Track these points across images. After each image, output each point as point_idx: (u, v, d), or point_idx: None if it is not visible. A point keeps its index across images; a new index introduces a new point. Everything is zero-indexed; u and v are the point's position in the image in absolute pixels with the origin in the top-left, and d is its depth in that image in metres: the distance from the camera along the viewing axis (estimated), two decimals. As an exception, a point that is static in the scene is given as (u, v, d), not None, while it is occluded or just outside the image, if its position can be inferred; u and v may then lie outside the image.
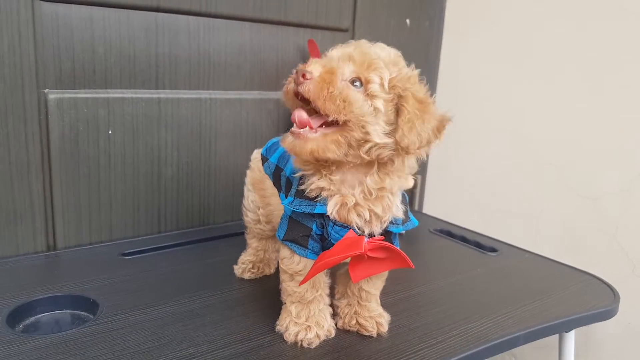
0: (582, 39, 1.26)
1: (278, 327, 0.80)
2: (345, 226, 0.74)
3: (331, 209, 0.73)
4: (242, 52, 1.22)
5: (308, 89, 0.65)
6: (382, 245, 0.75)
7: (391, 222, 0.77)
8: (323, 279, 0.80)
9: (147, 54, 1.09)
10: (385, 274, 0.85)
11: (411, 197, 1.65)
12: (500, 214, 1.47)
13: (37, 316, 0.85)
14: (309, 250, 0.77)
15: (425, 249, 1.22)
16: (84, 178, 1.06)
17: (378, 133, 0.68)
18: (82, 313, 0.86)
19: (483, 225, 1.43)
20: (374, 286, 0.84)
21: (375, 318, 0.83)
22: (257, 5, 1.20)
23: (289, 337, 0.78)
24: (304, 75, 0.65)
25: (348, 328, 0.83)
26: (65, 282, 0.92)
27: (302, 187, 0.75)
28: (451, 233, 1.31)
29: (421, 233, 1.32)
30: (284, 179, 0.82)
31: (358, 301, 0.84)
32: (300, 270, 0.78)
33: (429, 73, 1.58)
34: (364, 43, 0.72)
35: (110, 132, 1.07)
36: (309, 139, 0.67)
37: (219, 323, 0.82)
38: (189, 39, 1.13)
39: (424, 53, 1.55)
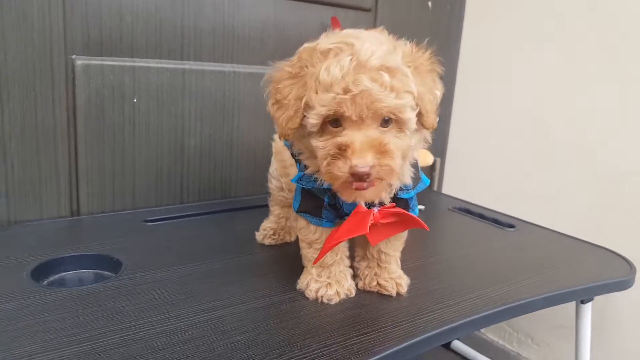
0: (602, 20, 1.25)
1: (299, 286, 0.81)
2: None
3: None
4: (266, 27, 1.22)
5: (377, 174, 0.64)
6: (393, 212, 0.75)
7: (400, 189, 0.77)
8: (342, 243, 0.81)
9: (172, 24, 1.10)
10: (404, 234, 0.85)
11: (431, 178, 1.64)
12: (518, 195, 1.45)
13: (62, 274, 0.86)
14: (324, 220, 0.79)
15: (444, 224, 1.22)
16: (108, 144, 1.08)
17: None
18: (106, 272, 0.87)
19: (501, 207, 1.42)
20: (392, 247, 0.84)
21: (395, 279, 0.83)
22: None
23: (310, 293, 0.78)
24: (367, 174, 0.62)
25: (369, 289, 0.83)
26: (89, 244, 0.93)
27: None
28: (469, 211, 1.30)
29: (440, 211, 1.32)
30: None
31: (378, 263, 0.84)
32: (317, 239, 0.80)
33: (450, 56, 1.58)
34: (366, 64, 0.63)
35: (135, 100, 1.08)
36: (367, 192, 0.67)
37: (239, 282, 0.83)
38: (214, 12, 1.15)
39: (444, 36, 1.55)
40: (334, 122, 0.65)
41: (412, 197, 0.82)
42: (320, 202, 0.78)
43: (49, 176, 1.03)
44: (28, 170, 1.00)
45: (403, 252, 0.86)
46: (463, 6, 1.55)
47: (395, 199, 0.78)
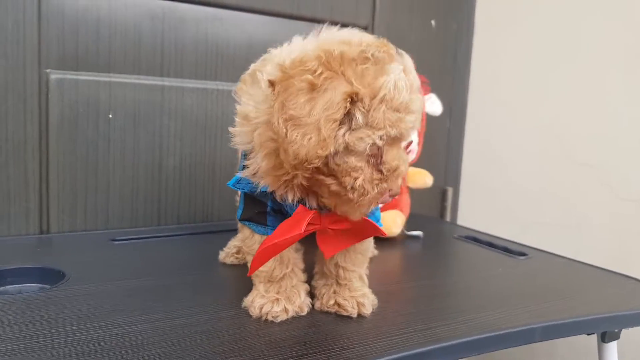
0: (616, 35, 1.15)
1: (244, 303, 0.72)
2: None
3: (276, 194, 0.65)
4: (252, 44, 1.19)
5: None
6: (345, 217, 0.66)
7: None
8: (292, 255, 0.72)
9: (152, 40, 1.09)
10: (367, 247, 0.77)
11: (442, 209, 1.52)
12: (538, 225, 1.32)
13: (6, 286, 0.81)
14: (269, 227, 0.70)
15: (444, 251, 1.10)
16: (81, 161, 1.05)
17: None
18: (47, 285, 0.81)
19: (522, 238, 1.29)
20: (352, 261, 0.74)
21: (356, 298, 0.73)
22: (268, -6, 1.18)
23: (254, 310, 0.69)
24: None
25: (326, 309, 0.73)
26: (42, 258, 0.89)
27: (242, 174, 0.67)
28: (477, 239, 1.18)
29: (444, 239, 1.20)
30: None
31: (337, 280, 0.74)
32: None
33: (459, 76, 1.49)
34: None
35: (110, 115, 1.06)
36: None
37: (184, 298, 0.75)
38: (196, 28, 1.13)
39: (451, 56, 1.47)
40: None
41: None
42: (264, 207, 0.71)
43: (18, 192, 1.00)
44: (-4, 185, 0.98)
45: (386, 275, 0.78)
46: (472, 24, 1.47)
47: None
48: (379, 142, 0.58)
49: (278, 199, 0.66)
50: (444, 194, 1.51)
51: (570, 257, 1.05)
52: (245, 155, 0.68)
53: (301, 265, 0.74)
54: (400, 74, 0.57)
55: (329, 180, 0.61)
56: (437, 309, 0.76)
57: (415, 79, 0.60)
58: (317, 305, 0.74)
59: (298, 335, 0.65)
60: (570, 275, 0.97)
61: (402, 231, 1.13)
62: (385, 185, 0.60)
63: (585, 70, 1.22)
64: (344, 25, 1.29)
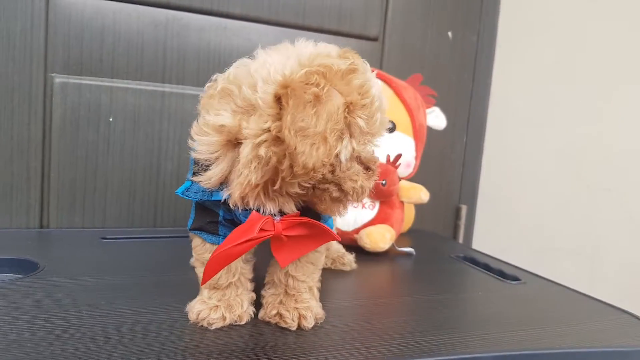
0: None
1: (187, 308, 0.71)
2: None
3: (232, 200, 0.65)
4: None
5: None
6: (298, 221, 0.65)
7: None
8: (240, 265, 0.71)
9: (155, 48, 1.13)
10: (320, 260, 0.75)
11: (455, 229, 1.46)
12: (553, 250, 1.23)
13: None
14: (221, 237, 0.70)
15: (432, 270, 1.05)
16: (81, 161, 1.10)
17: None
18: (20, 275, 0.85)
19: (532, 265, 1.21)
20: (302, 271, 0.72)
21: (300, 310, 0.71)
22: (272, 7, 1.20)
23: (191, 315, 0.69)
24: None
25: (268, 319, 0.71)
26: (28, 251, 0.93)
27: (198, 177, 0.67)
28: (475, 260, 1.12)
29: (438, 257, 1.14)
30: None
31: (285, 290, 0.72)
32: None
33: (479, 92, 1.43)
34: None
35: (111, 119, 1.10)
36: None
37: (138, 297, 0.76)
38: (199, 37, 1.16)
39: (469, 70, 1.41)
40: None
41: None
42: (216, 217, 0.70)
43: (20, 187, 1.07)
44: (1, 179, 1.05)
45: (353, 290, 0.79)
46: (494, 37, 1.41)
47: (301, 209, 0.68)
48: (378, 147, 0.65)
49: (236, 204, 0.65)
50: (457, 212, 1.45)
51: (566, 285, 0.97)
52: (196, 163, 0.69)
53: (249, 276, 0.73)
54: (373, 79, 0.63)
55: (332, 188, 0.63)
56: (386, 328, 0.72)
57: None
58: (261, 314, 0.72)
59: (222, 343, 0.64)
60: (560, 303, 0.90)
61: (393, 247, 1.10)
62: (375, 177, 0.65)
63: (609, 90, 1.13)
64: (352, 37, 1.29)
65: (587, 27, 1.21)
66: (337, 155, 0.60)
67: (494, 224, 1.46)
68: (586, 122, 1.19)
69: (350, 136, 0.61)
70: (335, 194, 0.63)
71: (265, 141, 0.60)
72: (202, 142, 0.66)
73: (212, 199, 0.67)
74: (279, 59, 0.63)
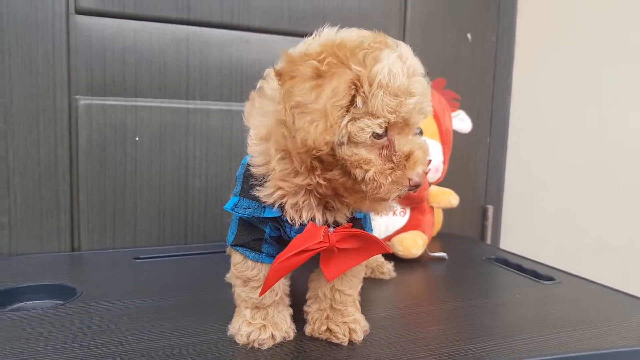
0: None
1: (230, 331, 0.70)
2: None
3: (289, 211, 0.64)
4: (277, 65, 1.20)
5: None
6: (352, 233, 0.65)
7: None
8: (282, 281, 0.70)
9: (177, 65, 1.12)
10: (362, 271, 0.74)
11: (482, 230, 1.45)
12: (582, 249, 1.22)
13: (25, 302, 0.85)
14: (264, 254, 0.69)
15: (467, 275, 1.04)
16: (109, 183, 1.09)
17: None
18: (59, 301, 0.84)
19: (562, 263, 1.19)
20: (348, 285, 0.71)
21: (348, 324, 0.70)
22: (292, 18, 1.19)
23: (241, 338, 0.68)
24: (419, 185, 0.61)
25: (317, 335, 0.70)
26: (64, 276, 0.92)
27: (258, 193, 0.66)
28: (507, 262, 1.10)
29: (470, 260, 1.13)
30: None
31: (331, 304, 0.71)
32: (254, 276, 0.69)
33: (500, 92, 1.42)
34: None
35: (137, 138, 1.10)
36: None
37: (177, 319, 0.75)
38: (220, 51, 1.15)
39: (490, 71, 1.40)
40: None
41: (366, 220, 0.72)
42: (261, 234, 0.69)
43: (49, 211, 1.06)
44: (30, 205, 1.05)
45: (392, 299, 0.77)
46: (512, 37, 1.40)
47: (351, 220, 0.68)
48: (379, 130, 0.57)
49: (289, 219, 0.65)
50: (484, 212, 1.44)
51: (601, 283, 0.95)
52: (245, 178, 0.68)
53: (287, 292, 0.72)
54: (394, 60, 0.57)
55: (339, 176, 0.60)
56: (427, 338, 0.71)
57: (414, 64, 0.59)
58: (308, 330, 0.71)
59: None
60: (595, 302, 0.88)
61: (426, 252, 1.08)
62: (399, 173, 0.59)
63: (635, 85, 1.11)
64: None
65: (608, 22, 1.20)
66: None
67: (521, 223, 1.44)
68: (612, 117, 1.17)
69: (351, 118, 0.56)
70: (348, 183, 0.60)
71: (280, 126, 0.59)
72: (255, 153, 0.66)
73: (265, 215, 0.65)
74: (303, 45, 0.62)
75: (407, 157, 0.59)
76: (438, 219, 1.28)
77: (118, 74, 1.09)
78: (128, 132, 1.10)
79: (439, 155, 1.12)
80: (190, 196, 1.16)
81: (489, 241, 1.45)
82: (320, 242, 0.62)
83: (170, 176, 1.14)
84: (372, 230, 0.75)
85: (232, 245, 0.71)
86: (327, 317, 0.71)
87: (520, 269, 1.06)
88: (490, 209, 1.43)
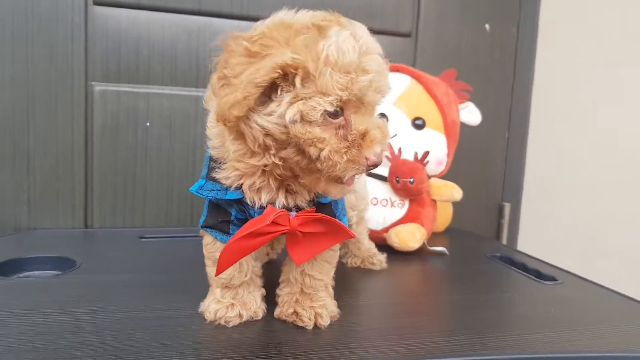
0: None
1: (201, 308, 0.72)
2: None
3: (247, 192, 0.66)
4: (287, 55, 1.22)
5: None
6: (314, 217, 0.66)
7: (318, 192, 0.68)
8: (251, 263, 0.72)
9: (188, 55, 1.17)
10: (334, 257, 0.75)
11: (498, 229, 1.41)
12: (602, 252, 1.17)
13: (33, 272, 0.91)
14: (231, 236, 0.70)
15: (464, 270, 1.02)
16: (121, 165, 1.15)
17: None
18: (58, 272, 0.90)
19: (581, 265, 1.15)
20: (318, 269, 0.72)
21: (315, 308, 0.71)
22: (302, 7, 1.20)
23: (209, 315, 0.70)
24: (377, 164, 0.61)
25: (284, 318, 0.72)
26: (70, 249, 0.98)
27: (217, 175, 0.68)
28: (512, 260, 1.07)
29: (473, 257, 1.11)
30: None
31: (302, 288, 0.72)
32: None
33: (521, 84, 1.38)
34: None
35: (148, 124, 1.15)
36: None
37: (164, 294, 0.79)
38: (231, 41, 1.18)
39: (510, 63, 1.36)
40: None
41: (337, 205, 0.72)
42: (228, 216, 0.71)
43: (65, 190, 1.13)
44: (47, 184, 1.12)
45: (374, 288, 0.78)
46: (535, 27, 1.35)
47: (317, 205, 0.69)
48: (330, 108, 0.57)
49: (249, 201, 0.67)
50: (500, 210, 1.40)
51: (610, 288, 0.91)
52: (211, 160, 0.71)
53: (259, 273, 0.74)
54: (344, 37, 0.57)
55: (293, 154, 0.61)
56: (404, 327, 0.71)
57: (369, 43, 0.59)
58: (277, 312, 0.73)
59: (244, 338, 0.66)
60: (596, 304, 0.84)
61: (425, 246, 1.07)
62: (355, 151, 0.59)
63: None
64: (383, 34, 1.28)
65: (636, 11, 1.14)
66: (283, 116, 0.57)
67: (540, 223, 1.39)
68: (637, 115, 1.11)
69: (299, 98, 0.57)
70: (303, 162, 0.60)
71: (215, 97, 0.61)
72: (212, 135, 0.68)
73: (227, 197, 0.67)
74: (261, 23, 0.63)
75: (363, 135, 0.59)
76: (446, 213, 1.27)
77: (132, 62, 1.14)
78: (139, 118, 1.15)
79: (442, 147, 1.11)
80: (197, 180, 1.19)
81: (505, 240, 1.41)
82: (274, 224, 0.63)
83: (178, 161, 1.18)
84: (345, 217, 0.75)
85: (202, 227, 0.73)
86: (296, 301, 0.72)
87: (523, 268, 1.03)
88: (507, 207, 1.40)
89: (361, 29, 0.60)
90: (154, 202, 1.18)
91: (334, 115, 0.58)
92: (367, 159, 0.59)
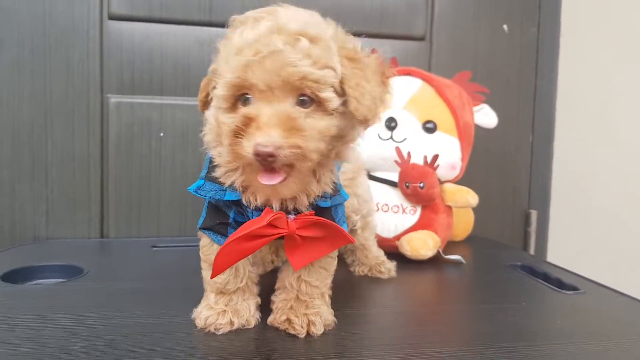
0: None
1: (194, 314, 0.71)
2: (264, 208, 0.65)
3: (240, 190, 0.65)
4: (298, 63, 1.21)
5: (285, 158, 0.55)
6: (313, 221, 0.64)
7: (320, 197, 0.66)
8: (248, 268, 0.71)
9: (200, 65, 1.18)
10: (332, 264, 0.73)
11: (525, 237, 1.35)
12: (635, 265, 1.10)
13: (43, 280, 0.93)
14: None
15: (480, 279, 0.97)
16: (135, 175, 1.17)
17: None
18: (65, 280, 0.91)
19: (613, 274, 1.08)
20: (315, 276, 0.70)
21: (308, 316, 0.69)
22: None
23: (199, 321, 0.69)
24: (271, 155, 0.54)
25: (277, 325, 0.70)
26: (80, 258, 1.00)
27: (216, 174, 0.67)
28: (533, 269, 1.01)
29: (491, 266, 1.05)
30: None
31: (297, 295, 0.71)
32: None
33: (543, 87, 1.32)
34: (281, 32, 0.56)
35: (161, 134, 1.17)
36: (281, 186, 0.59)
37: (162, 301, 0.78)
38: (242, 51, 1.19)
39: (531, 64, 1.31)
40: (247, 99, 0.58)
41: (337, 210, 0.71)
42: (226, 218, 0.71)
43: (82, 201, 1.16)
44: (64, 195, 1.15)
45: (380, 297, 0.77)
46: (557, 27, 1.30)
47: (316, 209, 0.67)
48: (222, 91, 0.58)
49: (244, 201, 0.66)
50: (527, 217, 1.34)
51: (632, 295, 0.85)
52: (211, 162, 0.71)
53: (255, 280, 0.73)
54: (256, 25, 0.57)
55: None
56: (397, 337, 0.68)
57: (286, 23, 0.56)
58: (270, 319, 0.71)
59: (234, 346, 0.64)
60: (617, 315, 0.79)
61: (439, 254, 1.03)
62: (244, 140, 0.55)
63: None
64: (396, 38, 1.26)
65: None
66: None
67: (570, 231, 1.33)
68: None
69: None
70: (227, 148, 0.59)
71: None
72: (207, 132, 0.68)
73: (225, 198, 0.67)
74: None
75: (249, 122, 0.55)
76: (467, 221, 1.22)
77: (146, 74, 1.16)
78: (153, 128, 1.17)
79: (456, 151, 1.07)
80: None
81: (532, 249, 1.35)
82: (272, 226, 0.62)
83: (192, 170, 1.19)
84: (344, 223, 0.73)
85: (200, 228, 0.72)
86: (291, 308, 0.70)
87: (544, 277, 0.98)
88: (534, 214, 1.33)
89: (288, 13, 0.58)
90: (168, 212, 1.19)
91: (244, 102, 0.57)
92: (255, 145, 0.54)
